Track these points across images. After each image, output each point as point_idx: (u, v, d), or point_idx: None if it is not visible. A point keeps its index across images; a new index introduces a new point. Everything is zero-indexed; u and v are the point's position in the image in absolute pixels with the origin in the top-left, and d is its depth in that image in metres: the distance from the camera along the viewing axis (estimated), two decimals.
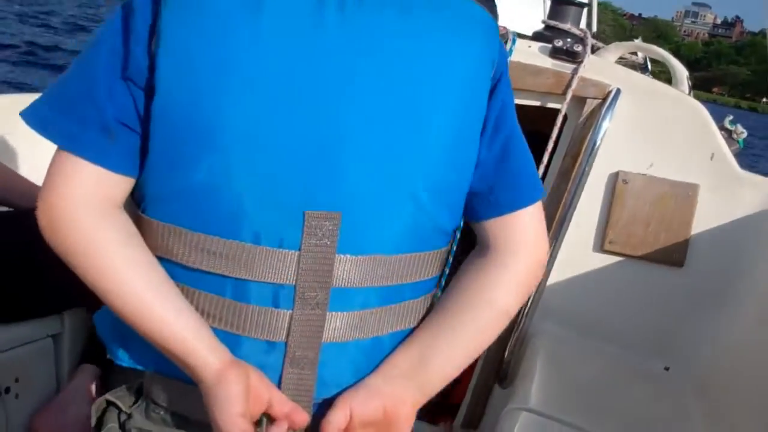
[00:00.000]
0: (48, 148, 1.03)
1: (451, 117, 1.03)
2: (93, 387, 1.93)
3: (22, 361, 1.87)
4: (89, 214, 0.99)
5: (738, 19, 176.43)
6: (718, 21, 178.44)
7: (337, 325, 1.05)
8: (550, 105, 2.16)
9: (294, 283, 1.02)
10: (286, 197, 0.98)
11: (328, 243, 1.00)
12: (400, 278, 1.07)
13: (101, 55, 0.99)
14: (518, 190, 1.12)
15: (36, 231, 1.89)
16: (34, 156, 2.14)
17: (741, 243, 2.16)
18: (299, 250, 1.00)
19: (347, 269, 1.03)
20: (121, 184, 1.01)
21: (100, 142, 0.98)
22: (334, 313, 1.04)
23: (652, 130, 2.18)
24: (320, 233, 0.99)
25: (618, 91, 2.11)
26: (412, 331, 1.12)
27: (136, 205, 1.03)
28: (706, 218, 2.16)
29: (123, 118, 0.99)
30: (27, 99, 2.27)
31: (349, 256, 1.02)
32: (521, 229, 1.13)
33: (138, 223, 1.04)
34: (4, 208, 2.09)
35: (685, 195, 2.14)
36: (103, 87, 0.98)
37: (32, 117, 1.01)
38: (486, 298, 1.11)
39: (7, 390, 1.82)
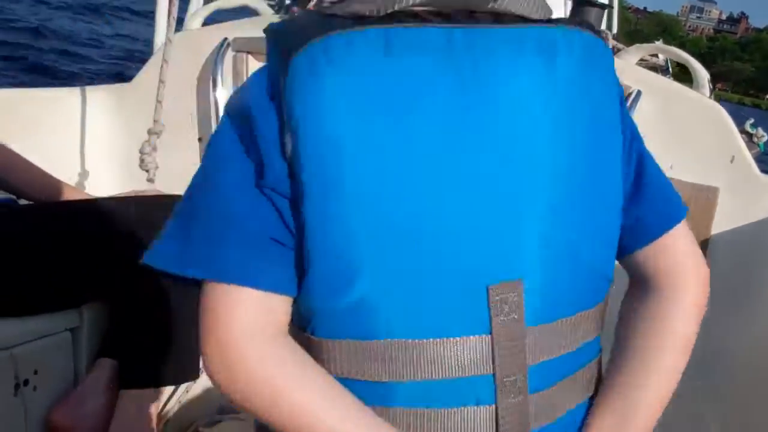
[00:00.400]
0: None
1: (614, 162, 0.97)
2: (111, 381, 1.93)
3: (40, 354, 1.87)
4: (266, 350, 0.89)
5: (743, 15, 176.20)
6: (723, 17, 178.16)
7: (539, 408, 0.94)
8: None
9: (492, 371, 0.90)
10: (465, 278, 0.88)
11: (516, 317, 0.90)
12: (583, 337, 0.98)
13: (228, 171, 0.89)
14: (664, 210, 1.04)
15: (55, 223, 1.90)
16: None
17: (761, 246, 2.16)
18: (490, 332, 0.90)
19: (538, 342, 0.92)
20: (283, 306, 0.90)
21: (252, 263, 0.88)
22: (533, 395, 0.94)
23: (673, 133, 2.17)
24: (506, 308, 0.89)
25: (639, 92, 2.10)
26: (597, 391, 1.04)
27: (300, 328, 0.93)
28: (725, 221, 2.16)
29: (271, 233, 0.88)
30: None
31: (537, 326, 0.92)
32: (677, 250, 1.05)
33: (308, 347, 0.92)
34: (24, 201, 2.09)
35: (705, 198, 2.14)
36: (241, 204, 0.88)
37: (163, 259, 0.91)
38: (666, 331, 1.03)
39: (26, 382, 1.83)
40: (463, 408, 0.90)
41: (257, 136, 0.87)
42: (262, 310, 0.88)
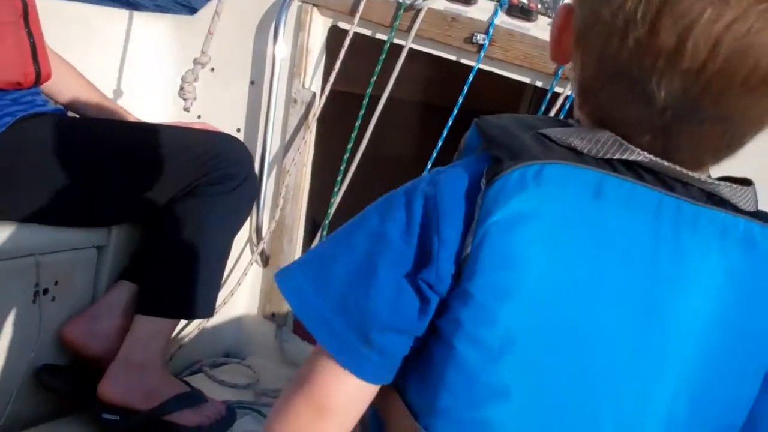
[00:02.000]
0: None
1: (753, 381, 0.89)
2: (128, 303, 1.95)
3: (63, 266, 1.89)
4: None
5: None
6: None
7: None
8: None
9: None
10: None
11: None
12: None
13: (385, 251, 0.84)
14: None
15: (100, 140, 1.90)
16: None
17: None
18: None
19: None
20: (374, 393, 0.87)
21: (371, 358, 0.84)
22: None
23: None
24: None
25: None
26: None
27: (412, 412, 0.87)
28: None
29: (402, 325, 0.84)
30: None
31: None
32: None
33: None
34: (72, 114, 2.10)
35: None
36: (386, 291, 0.83)
37: (293, 295, 0.87)
38: None
39: (45, 291, 1.85)
40: None
41: (435, 232, 0.82)
42: (362, 397, 0.86)
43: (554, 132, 0.84)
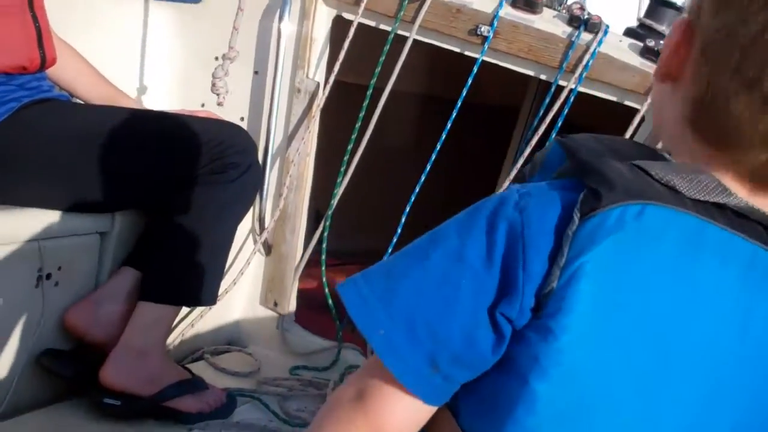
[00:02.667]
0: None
1: None
2: (131, 289, 1.96)
3: (67, 252, 1.90)
4: None
5: None
6: None
7: None
8: (629, 103, 2.13)
9: None
10: None
11: None
12: None
13: (463, 279, 0.79)
14: None
15: (104, 126, 1.91)
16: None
17: None
18: None
19: None
20: (432, 413, 0.84)
21: (434, 381, 0.81)
22: None
23: None
24: None
25: None
26: None
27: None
28: None
29: (471, 358, 0.80)
30: None
31: None
32: None
33: None
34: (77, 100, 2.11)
35: None
36: (461, 318, 0.79)
37: (357, 309, 0.83)
38: None
39: (48, 276, 1.86)
40: None
41: (521, 265, 0.78)
42: (419, 418, 0.83)
43: (654, 167, 0.79)
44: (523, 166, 2.16)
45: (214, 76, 2.16)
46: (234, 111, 2.37)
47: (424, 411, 0.82)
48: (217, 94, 2.17)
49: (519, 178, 0.95)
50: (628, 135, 2.08)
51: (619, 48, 2.11)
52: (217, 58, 2.30)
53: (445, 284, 0.80)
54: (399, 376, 0.80)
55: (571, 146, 0.84)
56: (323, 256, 2.40)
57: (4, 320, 1.78)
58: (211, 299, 2.04)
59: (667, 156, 0.84)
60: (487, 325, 0.78)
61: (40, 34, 1.91)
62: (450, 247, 0.81)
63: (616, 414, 0.78)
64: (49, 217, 1.85)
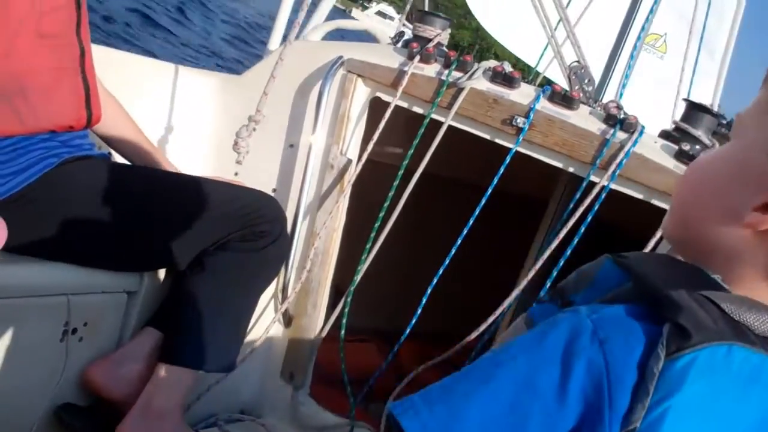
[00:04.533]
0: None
1: None
2: (152, 350, 1.96)
3: (94, 308, 1.91)
4: None
5: None
6: None
7: None
8: (658, 203, 2.16)
9: None
10: None
11: None
12: None
13: (537, 409, 0.75)
14: None
15: (143, 187, 1.94)
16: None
17: None
18: None
19: None
20: None
21: None
22: None
23: None
24: None
25: None
26: None
27: None
28: None
29: None
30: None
31: None
32: None
33: None
34: (118, 158, 2.15)
35: None
36: None
37: None
38: None
39: (74, 331, 1.87)
40: None
41: (606, 403, 0.74)
42: None
43: (723, 301, 0.77)
44: (549, 262, 2.17)
45: (237, 135, 2.19)
46: (266, 181, 2.41)
47: None
48: (238, 152, 2.20)
49: (558, 293, 0.92)
50: (657, 236, 2.09)
51: (653, 149, 2.14)
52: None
53: (514, 413, 0.75)
54: None
55: (637, 271, 0.81)
56: (342, 332, 2.40)
57: (27, 371, 1.79)
58: (229, 366, 2.05)
59: (720, 281, 0.82)
60: None
61: (89, 93, 1.96)
62: (519, 372, 0.76)
63: None
64: (80, 272, 1.87)
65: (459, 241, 2.27)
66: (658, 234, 2.08)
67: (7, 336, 1.72)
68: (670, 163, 2.10)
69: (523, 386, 0.75)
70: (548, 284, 2.16)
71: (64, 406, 1.87)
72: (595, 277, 0.87)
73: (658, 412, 0.72)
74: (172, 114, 2.37)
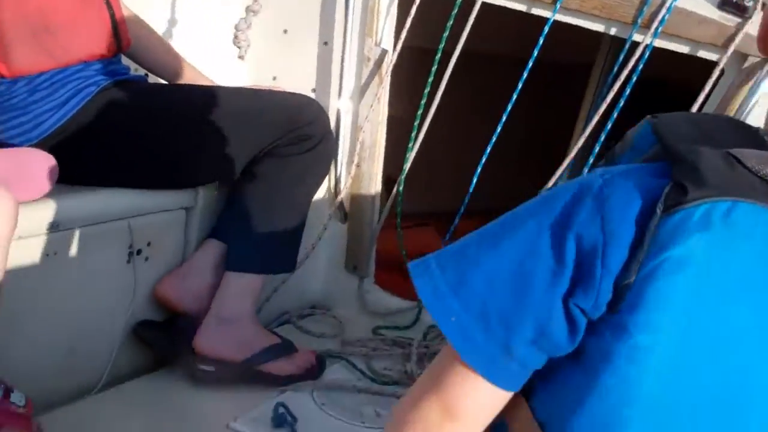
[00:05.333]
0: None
1: None
2: (217, 261, 2.03)
3: (155, 228, 1.98)
4: None
5: None
6: None
7: None
8: (705, 55, 2.09)
9: None
10: None
11: None
12: None
13: (537, 270, 0.77)
14: None
15: (184, 105, 1.96)
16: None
17: None
18: None
19: None
20: (507, 399, 0.83)
21: (505, 363, 0.79)
22: None
23: None
24: None
25: None
26: None
27: (539, 424, 0.83)
28: None
29: (547, 347, 0.79)
30: None
31: None
32: None
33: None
34: (154, 79, 2.17)
35: None
36: (538, 309, 0.77)
37: (427, 293, 0.81)
38: None
39: (139, 251, 1.94)
40: None
41: (600, 259, 0.75)
42: (494, 404, 0.82)
43: (750, 158, 0.75)
44: (598, 127, 2.15)
45: (236, 28, 2.16)
46: (305, 83, 2.41)
47: (501, 396, 0.81)
48: (239, 47, 2.18)
49: (609, 156, 0.91)
50: (707, 89, 2.04)
51: (695, 1, 2.07)
52: (286, 32, 2.33)
53: (519, 275, 0.78)
54: (474, 364, 0.79)
55: (661, 131, 0.80)
56: (398, 220, 2.44)
57: (101, 295, 1.87)
58: (291, 266, 2.11)
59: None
60: (560, 316, 0.77)
61: (114, 20, 1.96)
62: (524, 235, 0.79)
63: (692, 408, 0.75)
64: (136, 195, 1.92)
65: (504, 117, 2.25)
66: (708, 86, 2.04)
67: (76, 265, 1.80)
68: (715, 14, 2.03)
69: (528, 248, 0.78)
70: (596, 149, 2.14)
71: (141, 324, 1.96)
72: (634, 140, 0.87)
73: (650, 268, 0.72)
74: (202, 27, 2.35)
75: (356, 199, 2.47)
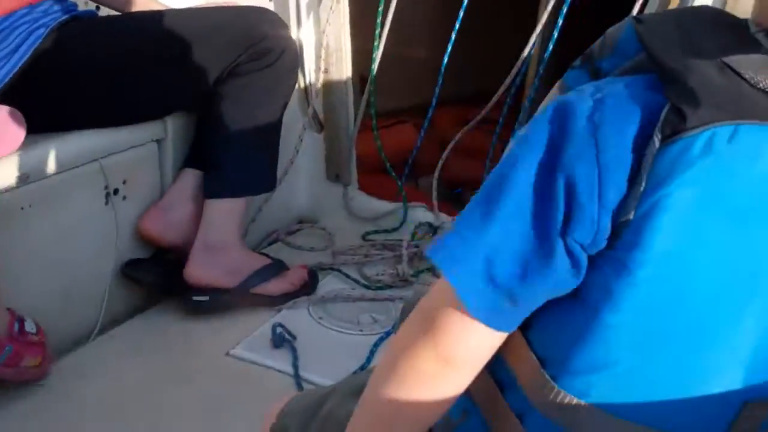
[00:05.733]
0: None
1: None
2: (195, 190, 2.01)
3: (128, 165, 1.95)
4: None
5: None
6: None
7: None
8: None
9: None
10: (725, 388, 0.76)
11: None
12: None
13: (531, 205, 0.73)
14: None
15: (138, 35, 1.91)
16: None
17: None
18: None
19: None
20: (503, 340, 0.80)
21: (504, 306, 0.76)
22: None
23: None
24: (748, 425, 0.77)
25: None
26: None
27: (539, 360, 0.81)
28: None
29: (543, 285, 0.76)
30: None
31: None
32: None
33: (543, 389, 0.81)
34: (104, 11, 2.10)
35: None
36: (533, 254, 0.74)
37: (443, 258, 0.77)
38: None
39: (116, 191, 1.92)
40: None
41: (595, 196, 0.71)
42: (490, 346, 0.79)
43: (747, 66, 0.69)
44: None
45: None
46: None
47: (498, 338, 0.78)
48: None
49: (587, 56, 0.84)
50: None
51: None
52: None
53: (517, 233, 0.74)
54: (473, 311, 0.76)
55: (646, 39, 0.74)
56: (374, 121, 2.41)
57: (85, 240, 1.86)
58: (272, 184, 2.10)
59: (762, 39, 0.72)
60: (563, 253, 0.73)
61: None
62: (517, 195, 0.74)
63: (694, 343, 0.73)
64: (104, 135, 1.88)
65: (465, 2, 2.20)
66: None
67: (54, 214, 1.78)
68: None
69: (526, 192, 0.73)
70: (560, 22, 2.08)
71: (128, 263, 1.96)
72: (616, 42, 0.81)
73: (650, 204, 0.69)
74: None
75: (329, 106, 2.43)
